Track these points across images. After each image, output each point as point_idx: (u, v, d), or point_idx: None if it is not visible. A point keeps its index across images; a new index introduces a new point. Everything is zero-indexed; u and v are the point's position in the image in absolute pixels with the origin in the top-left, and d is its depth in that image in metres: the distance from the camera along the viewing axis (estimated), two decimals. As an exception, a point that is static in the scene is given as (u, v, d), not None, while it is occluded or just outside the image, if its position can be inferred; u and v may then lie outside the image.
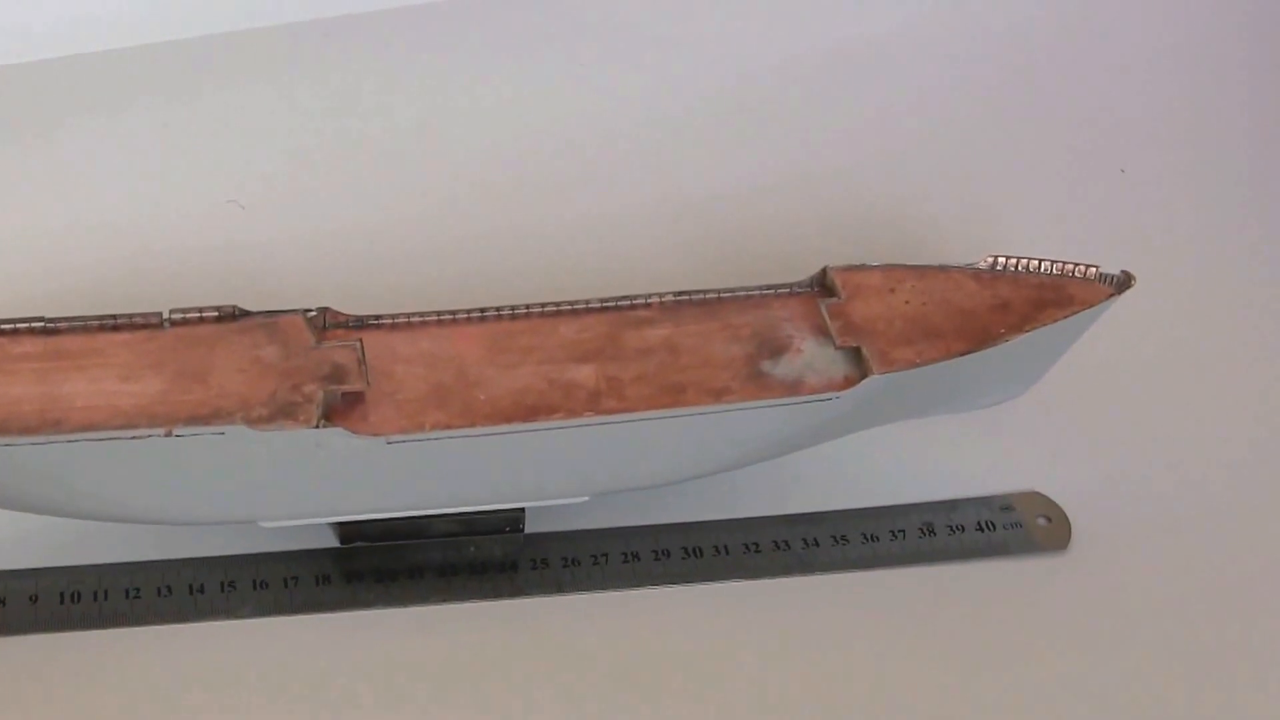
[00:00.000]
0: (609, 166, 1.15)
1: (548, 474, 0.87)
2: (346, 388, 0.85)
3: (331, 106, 1.19)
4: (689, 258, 1.06)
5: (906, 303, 0.90)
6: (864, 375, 0.86)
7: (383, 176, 1.14)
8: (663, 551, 0.90)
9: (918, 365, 0.86)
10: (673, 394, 0.86)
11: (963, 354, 0.87)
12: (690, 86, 1.20)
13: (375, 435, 0.83)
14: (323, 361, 0.86)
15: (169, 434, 0.80)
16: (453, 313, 0.90)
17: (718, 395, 0.86)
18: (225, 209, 1.11)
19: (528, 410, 0.85)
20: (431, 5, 1.23)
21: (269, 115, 1.18)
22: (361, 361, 0.86)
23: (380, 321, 0.90)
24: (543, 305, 0.91)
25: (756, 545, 0.90)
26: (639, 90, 1.20)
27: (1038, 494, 0.94)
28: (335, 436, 0.82)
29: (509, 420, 0.84)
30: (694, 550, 0.90)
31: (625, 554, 0.90)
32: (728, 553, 0.90)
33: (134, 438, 0.80)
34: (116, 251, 1.07)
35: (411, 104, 1.19)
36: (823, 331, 0.89)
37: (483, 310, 0.90)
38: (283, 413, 0.83)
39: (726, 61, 1.22)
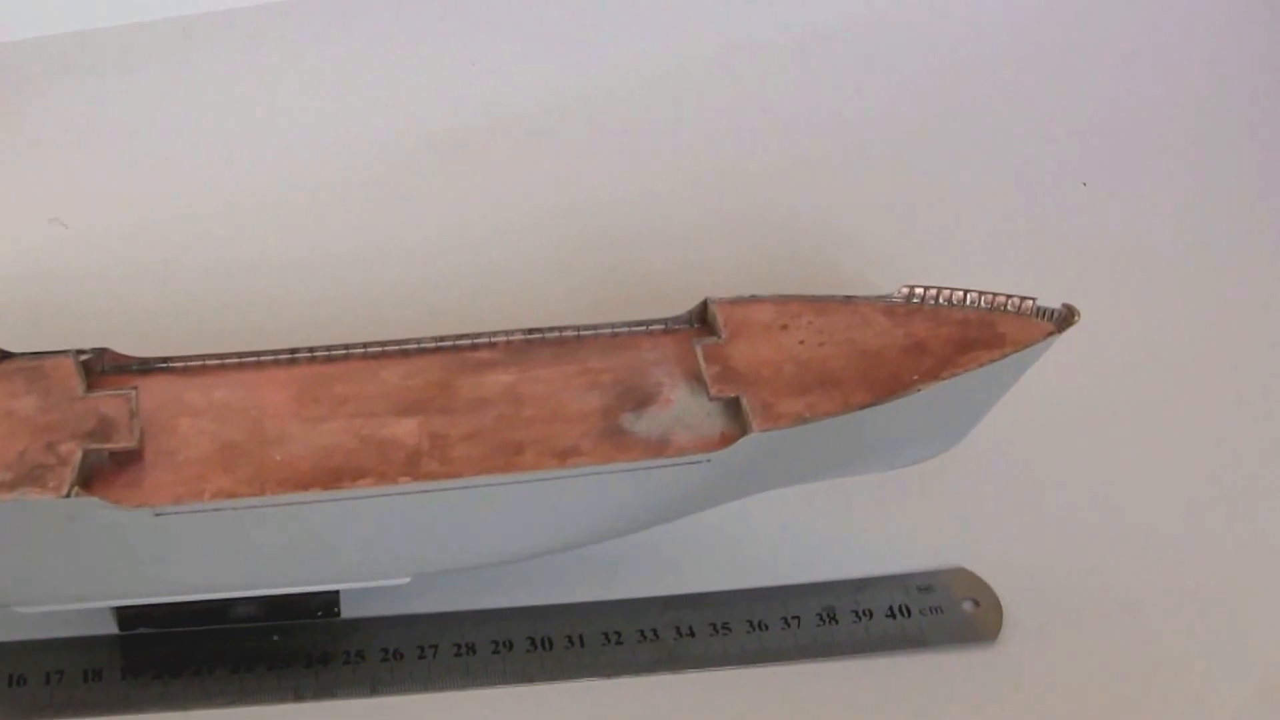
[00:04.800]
0: (463, 177, 1.04)
1: (360, 551, 0.74)
2: (111, 446, 0.72)
3: (172, 116, 1.09)
4: (558, 289, 0.95)
5: (801, 343, 0.77)
6: (744, 432, 0.73)
7: (222, 195, 1.03)
8: (504, 643, 0.78)
9: (807, 421, 0.73)
10: (508, 455, 0.73)
11: (864, 407, 0.74)
12: (568, 81, 1.11)
13: (141, 505, 0.70)
14: (88, 414, 0.73)
15: (-117, 505, 0.67)
16: (257, 354, 0.78)
17: (563, 456, 0.73)
18: (46, 229, 1.00)
19: (330, 474, 0.72)
20: (265, 7, 1.14)
21: (101, 126, 1.08)
22: (134, 414, 0.73)
23: (170, 365, 0.78)
24: (365, 345, 0.78)
25: (618, 635, 0.78)
26: (498, 87, 1.10)
27: (964, 571, 0.82)
28: (89, 507, 0.69)
29: (306, 486, 0.72)
30: (542, 641, 0.78)
31: (458, 645, 0.77)
32: (583, 644, 0.78)
33: None
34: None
35: (253, 112, 1.09)
36: (699, 378, 0.76)
37: (293, 351, 0.78)
38: (29, 478, 0.70)
39: (615, 56, 1.13)
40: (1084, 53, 1.18)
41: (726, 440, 0.73)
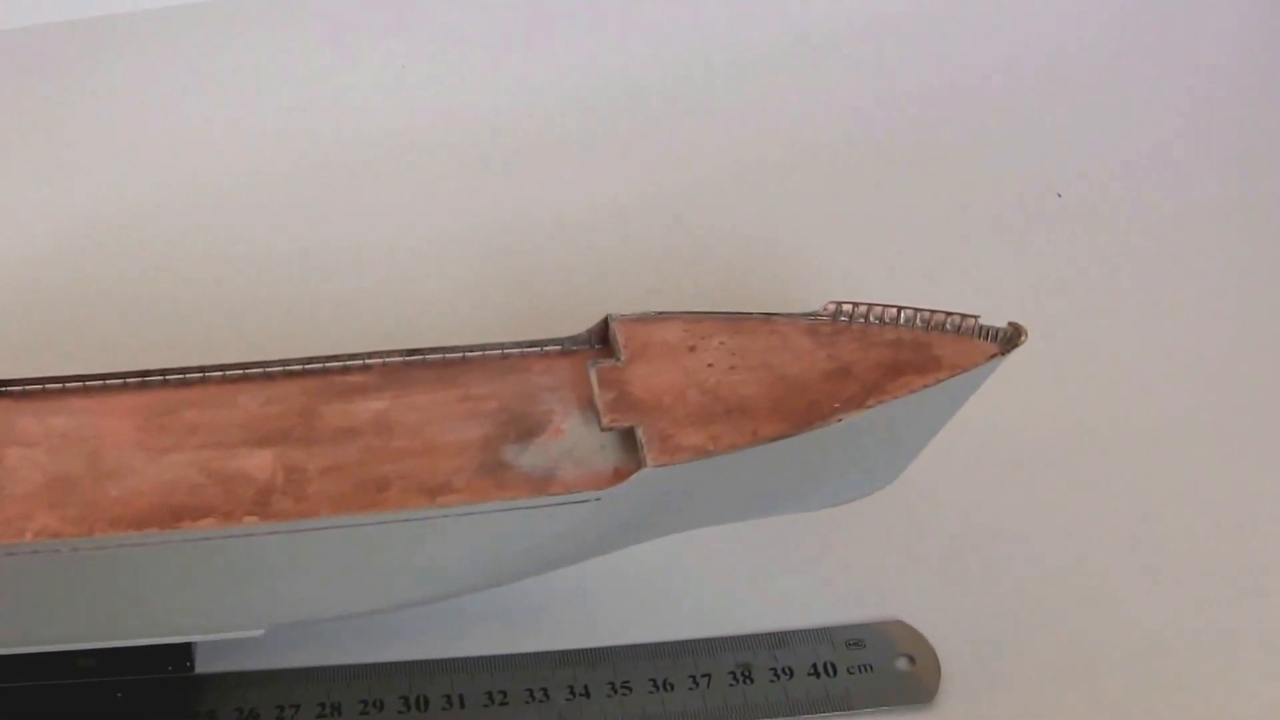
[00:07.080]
0: (351, 189, 0.97)
1: (206, 599, 0.66)
2: (-72, 480, 0.65)
3: (55, 123, 1.02)
4: (455, 306, 0.88)
5: (709, 366, 0.69)
6: (638, 467, 0.65)
7: (95, 206, 0.96)
8: (374, 703, 0.70)
9: (711, 455, 0.65)
10: (371, 492, 0.66)
11: (776, 439, 0.66)
12: (469, 93, 1.04)
13: (-43, 547, 0.63)
14: (-92, 444, 0.66)
15: None
16: (104, 377, 0.71)
17: (433, 494, 0.66)
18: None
19: (170, 513, 0.65)
20: (151, 12, 1.08)
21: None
22: (-43, 444, 0.66)
23: (7, 389, 0.71)
24: (223, 368, 0.70)
25: (503, 695, 0.71)
26: (394, 99, 1.03)
27: (899, 624, 0.74)
28: (-105, 549, 0.62)
29: (141, 527, 0.64)
30: (417, 701, 0.70)
31: (323, 705, 0.70)
32: (463, 705, 0.70)
33: None
34: None
35: (122, 120, 1.03)
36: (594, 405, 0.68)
37: (144, 374, 0.71)
38: None
39: (524, 71, 1.06)
40: (1067, 51, 1.12)
41: (620, 476, 0.65)
